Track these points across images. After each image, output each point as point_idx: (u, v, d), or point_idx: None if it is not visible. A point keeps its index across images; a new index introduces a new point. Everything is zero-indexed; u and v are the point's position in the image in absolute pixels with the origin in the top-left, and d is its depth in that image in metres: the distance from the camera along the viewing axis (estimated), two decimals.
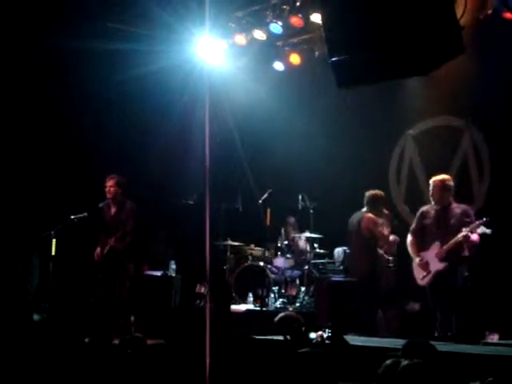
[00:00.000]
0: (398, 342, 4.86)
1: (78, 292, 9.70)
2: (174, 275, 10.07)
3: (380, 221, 8.55)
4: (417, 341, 4.11)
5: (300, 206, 9.73)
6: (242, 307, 9.66)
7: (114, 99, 10.24)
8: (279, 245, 10.17)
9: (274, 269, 10.08)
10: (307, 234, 9.95)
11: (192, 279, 9.63)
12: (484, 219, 7.51)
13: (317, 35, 9.77)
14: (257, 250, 10.38)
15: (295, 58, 10.58)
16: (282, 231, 10.23)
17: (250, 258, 10.43)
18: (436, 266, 7.63)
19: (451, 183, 7.75)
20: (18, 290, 9.46)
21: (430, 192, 7.77)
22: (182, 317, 8.93)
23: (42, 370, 3.87)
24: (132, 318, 9.24)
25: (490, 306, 8.10)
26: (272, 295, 9.77)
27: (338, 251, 9.78)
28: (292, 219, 10.39)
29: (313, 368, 3.80)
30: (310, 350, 3.90)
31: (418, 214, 7.93)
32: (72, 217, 8.87)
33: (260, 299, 9.33)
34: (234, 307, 9.73)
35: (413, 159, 10.01)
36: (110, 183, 8.95)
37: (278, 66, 10.78)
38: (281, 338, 5.18)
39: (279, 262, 10.11)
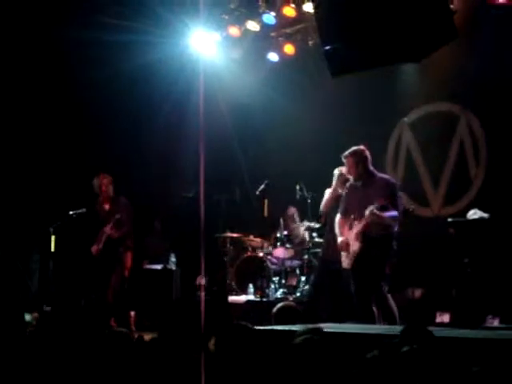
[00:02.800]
0: (396, 329, 4.86)
1: (79, 288, 9.72)
2: (174, 268, 10.09)
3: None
4: (414, 326, 4.12)
5: (298, 196, 9.72)
6: (243, 298, 9.68)
7: (107, 92, 10.22)
8: (278, 235, 10.18)
9: (273, 259, 10.10)
10: (306, 224, 9.95)
11: (192, 272, 9.65)
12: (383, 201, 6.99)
13: (310, 25, 9.77)
14: (256, 241, 10.39)
15: (289, 48, 10.58)
16: (281, 221, 10.23)
17: (250, 249, 10.45)
18: (353, 246, 7.18)
19: (365, 154, 7.27)
20: (18, 289, 9.46)
21: (346, 170, 7.35)
22: (182, 309, 8.95)
23: (38, 371, 3.86)
24: (133, 313, 9.27)
25: (490, 291, 8.07)
26: (272, 286, 9.79)
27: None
28: (292, 209, 10.39)
29: (312, 356, 3.81)
30: (309, 337, 3.89)
31: (344, 190, 7.52)
32: (70, 212, 8.91)
33: (260, 290, 9.34)
34: (234, 298, 9.76)
35: (410, 146, 10.00)
36: (105, 181, 8.99)
37: (273, 56, 10.78)
38: (280, 327, 5.20)
39: (279, 252, 10.12)
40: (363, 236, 7.11)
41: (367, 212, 6.94)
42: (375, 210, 6.93)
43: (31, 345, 4.39)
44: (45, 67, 10.14)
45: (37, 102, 10.22)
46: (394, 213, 7.07)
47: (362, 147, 7.38)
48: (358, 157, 7.27)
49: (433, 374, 3.30)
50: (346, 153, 7.31)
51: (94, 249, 9.02)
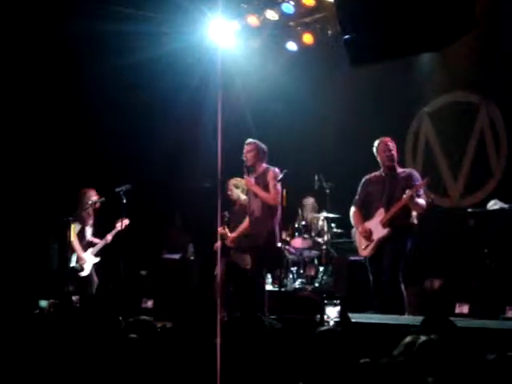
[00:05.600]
0: (415, 320, 4.85)
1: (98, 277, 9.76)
2: (192, 258, 10.11)
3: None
4: (435, 316, 4.11)
5: (316, 186, 9.71)
6: None
7: (124, 82, 10.21)
8: (296, 225, 10.17)
9: (291, 249, 10.09)
10: (325, 214, 9.93)
11: (209, 262, 9.67)
12: (426, 179, 7.26)
13: (329, 14, 9.71)
14: None
15: (308, 38, 10.53)
16: (299, 212, 10.22)
17: None
18: (379, 233, 7.23)
19: (393, 144, 7.42)
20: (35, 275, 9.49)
21: (379, 157, 7.41)
22: (199, 299, 8.98)
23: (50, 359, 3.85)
24: (150, 302, 9.31)
25: (509, 282, 8.01)
26: (290, 276, 9.78)
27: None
28: (310, 200, 10.36)
29: (331, 346, 3.80)
30: (329, 329, 3.89)
31: (362, 183, 7.58)
32: (90, 202, 8.92)
33: (278, 280, 9.33)
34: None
35: (429, 136, 9.94)
36: (229, 183, 8.87)
37: (291, 46, 10.73)
38: (299, 317, 5.21)
39: (297, 242, 10.11)
40: (391, 222, 7.17)
41: (404, 196, 7.06)
42: (414, 194, 7.05)
43: (49, 331, 4.39)
44: (60, 59, 10.13)
45: (52, 94, 10.24)
46: (424, 202, 7.19)
47: (389, 138, 7.50)
48: (388, 145, 7.40)
49: (454, 363, 3.29)
50: (379, 141, 7.43)
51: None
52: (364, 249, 7.40)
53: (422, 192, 7.32)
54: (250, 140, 8.01)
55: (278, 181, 7.72)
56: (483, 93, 9.27)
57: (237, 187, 8.62)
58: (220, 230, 8.19)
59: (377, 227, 7.29)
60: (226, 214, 8.47)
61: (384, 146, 7.40)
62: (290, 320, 5.68)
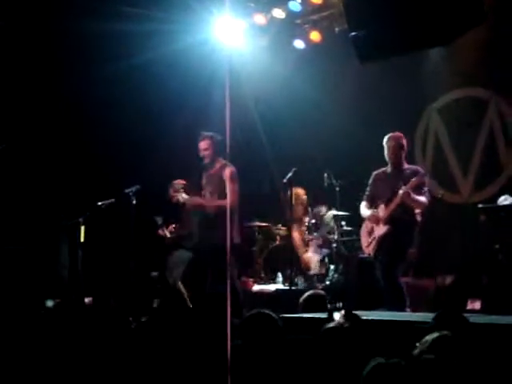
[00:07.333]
0: (426, 316, 4.82)
1: (108, 279, 9.77)
2: None
3: None
4: (448, 312, 4.08)
5: (326, 184, 9.67)
6: (272, 287, 9.67)
7: (130, 82, 10.18)
8: (306, 223, 10.13)
9: None
10: (334, 212, 9.87)
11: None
12: (420, 176, 7.20)
13: (336, 11, 9.69)
14: (284, 230, 10.35)
15: (315, 36, 10.50)
16: (309, 210, 10.18)
17: (278, 238, 10.42)
18: (379, 230, 7.27)
19: (405, 141, 7.44)
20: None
21: (386, 152, 7.41)
22: (214, 300, 8.95)
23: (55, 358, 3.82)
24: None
25: None
26: (301, 274, 9.75)
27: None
28: (323, 209, 10.21)
29: (341, 344, 3.77)
30: (337, 326, 3.86)
31: (371, 178, 7.61)
32: (99, 203, 8.90)
33: (289, 279, 9.31)
34: (263, 287, 9.75)
35: (438, 132, 9.90)
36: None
37: (299, 43, 10.71)
38: (308, 315, 5.18)
39: None
40: (390, 219, 7.15)
41: (400, 192, 7.05)
42: (410, 191, 7.03)
43: (54, 330, 4.38)
44: (67, 60, 10.12)
45: (59, 92, 10.23)
46: (424, 199, 7.12)
47: (401, 134, 7.50)
48: (401, 142, 7.41)
49: (468, 360, 3.26)
50: (390, 136, 7.43)
51: None
52: (367, 246, 7.44)
53: (425, 189, 7.28)
54: (204, 134, 7.54)
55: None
56: (492, 88, 9.23)
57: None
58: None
59: (378, 224, 7.28)
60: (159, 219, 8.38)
61: (392, 142, 7.39)
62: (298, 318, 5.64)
